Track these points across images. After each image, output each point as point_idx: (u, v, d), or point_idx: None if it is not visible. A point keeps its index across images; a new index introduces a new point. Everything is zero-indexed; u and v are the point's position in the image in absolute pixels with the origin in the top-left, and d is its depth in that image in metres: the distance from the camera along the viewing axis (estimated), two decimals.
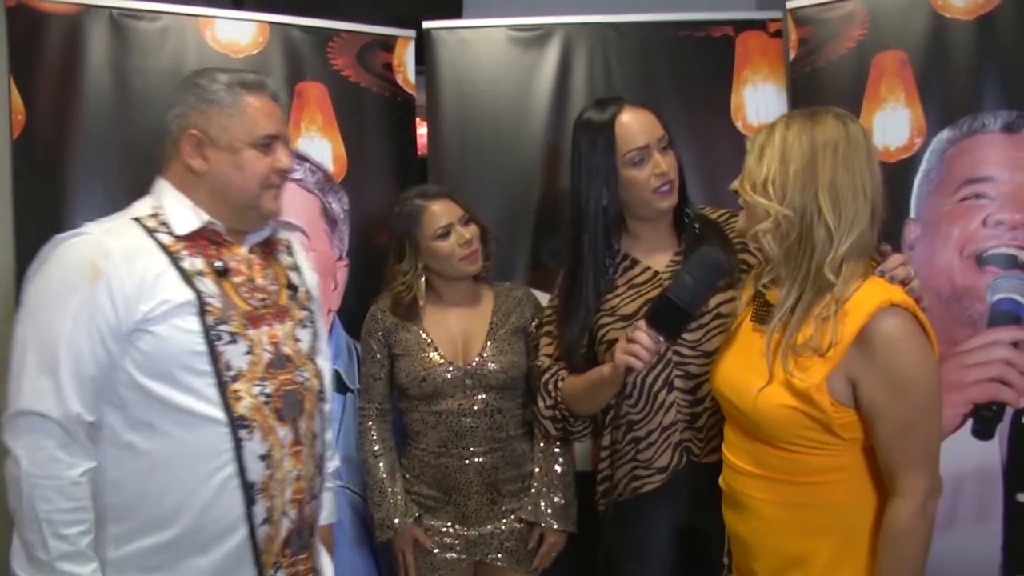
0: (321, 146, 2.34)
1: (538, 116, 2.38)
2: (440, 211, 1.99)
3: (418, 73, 2.48)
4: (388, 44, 2.44)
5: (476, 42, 2.41)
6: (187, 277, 1.46)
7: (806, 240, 1.37)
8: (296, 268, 1.70)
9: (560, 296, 1.88)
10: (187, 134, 1.50)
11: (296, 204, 2.29)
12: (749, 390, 1.43)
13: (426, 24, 2.42)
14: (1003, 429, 2.08)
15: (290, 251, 1.73)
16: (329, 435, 1.78)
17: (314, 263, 2.27)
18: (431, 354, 1.99)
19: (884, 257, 1.47)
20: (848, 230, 1.36)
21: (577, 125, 1.83)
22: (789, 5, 2.34)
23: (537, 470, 2.03)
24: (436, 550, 2.01)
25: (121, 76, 2.14)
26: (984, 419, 2.09)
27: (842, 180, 1.36)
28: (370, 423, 2.07)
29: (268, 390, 1.50)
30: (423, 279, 2.02)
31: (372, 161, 2.40)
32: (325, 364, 1.74)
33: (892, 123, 2.16)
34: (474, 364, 1.98)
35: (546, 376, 1.87)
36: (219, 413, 1.44)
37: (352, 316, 2.32)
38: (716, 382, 1.56)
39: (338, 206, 2.35)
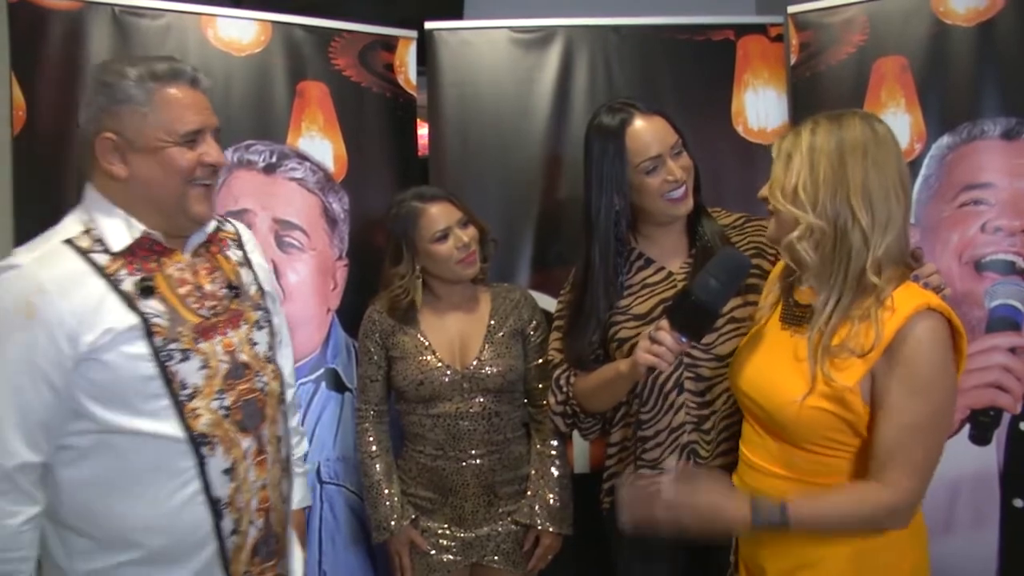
0: (322, 146, 2.34)
1: (539, 117, 2.39)
2: (438, 214, 1.97)
3: (419, 74, 2.48)
4: (390, 44, 2.44)
5: (478, 43, 2.41)
6: (128, 299, 1.38)
7: (842, 245, 1.36)
8: (246, 263, 1.62)
9: (571, 299, 1.86)
10: (101, 139, 1.39)
11: (296, 203, 2.29)
12: (781, 393, 1.41)
13: (428, 25, 2.42)
14: (1000, 434, 2.09)
15: (239, 244, 1.63)
16: (295, 420, 1.78)
17: (314, 263, 2.29)
18: (429, 357, 1.98)
19: (917, 261, 1.46)
20: (884, 232, 1.35)
21: (589, 129, 1.81)
22: (790, 10, 2.34)
23: (533, 472, 2.03)
24: (432, 552, 2.01)
25: None
26: (981, 424, 2.10)
27: (873, 182, 1.35)
28: (367, 424, 2.07)
29: (227, 403, 1.45)
30: (420, 281, 2.01)
31: (373, 161, 2.41)
32: (285, 360, 1.70)
33: (892, 128, 2.17)
34: (472, 367, 1.98)
35: (558, 372, 1.86)
36: (179, 432, 1.40)
37: (351, 316, 2.32)
38: (739, 381, 1.54)
39: (338, 206, 2.35)
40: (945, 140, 2.14)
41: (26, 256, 1.37)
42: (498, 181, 2.37)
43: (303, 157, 2.31)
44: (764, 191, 1.46)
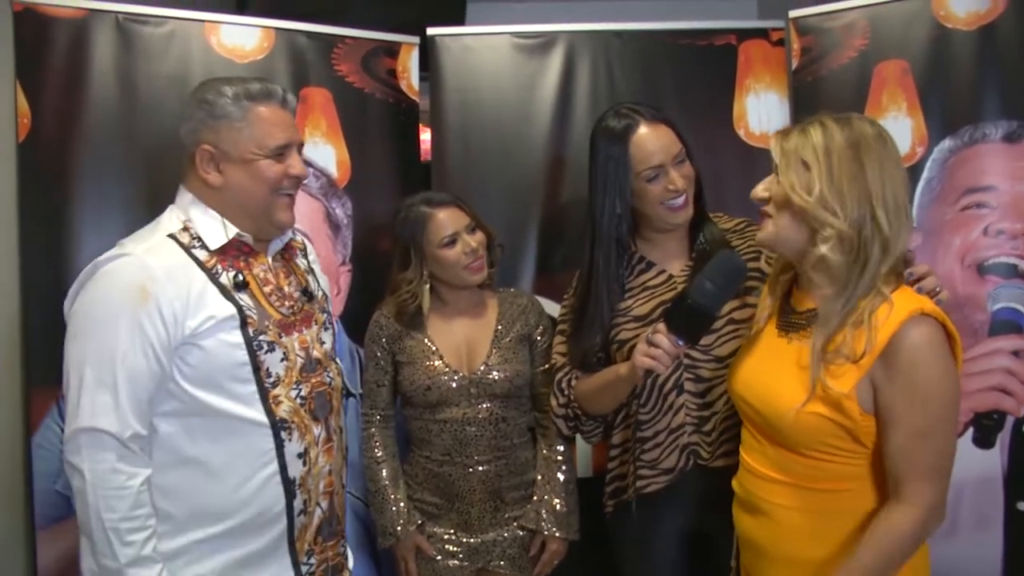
0: (325, 151, 2.35)
1: (541, 123, 2.39)
2: (446, 219, 1.97)
3: (422, 79, 2.48)
4: (392, 50, 2.44)
5: (480, 49, 2.42)
6: (226, 291, 1.52)
7: (862, 253, 1.35)
8: (311, 271, 1.76)
9: (575, 303, 1.87)
10: (200, 150, 1.53)
11: (299, 209, 2.25)
12: (779, 400, 1.41)
13: (430, 31, 2.43)
14: (1004, 438, 2.09)
15: (305, 253, 1.77)
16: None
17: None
18: (436, 362, 1.98)
19: (908, 264, 1.45)
20: (898, 240, 1.35)
21: (595, 131, 1.82)
22: (791, 14, 2.35)
23: (539, 477, 2.03)
24: (438, 557, 2.01)
25: (126, 80, 2.14)
26: (985, 428, 2.10)
27: (889, 190, 1.35)
28: (373, 429, 2.07)
29: (303, 393, 1.58)
30: (428, 287, 2.01)
31: (376, 167, 2.41)
32: (341, 362, 1.81)
33: (894, 132, 2.09)
34: (479, 373, 1.98)
35: (560, 375, 1.87)
36: (262, 417, 1.52)
37: (355, 321, 2.32)
38: (737, 387, 1.54)
39: (341, 211, 2.35)
40: (947, 144, 2.15)
41: (136, 246, 1.50)
42: (500, 186, 2.37)
43: (306, 163, 2.31)
44: (762, 191, 1.44)
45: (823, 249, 1.36)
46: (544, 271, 2.37)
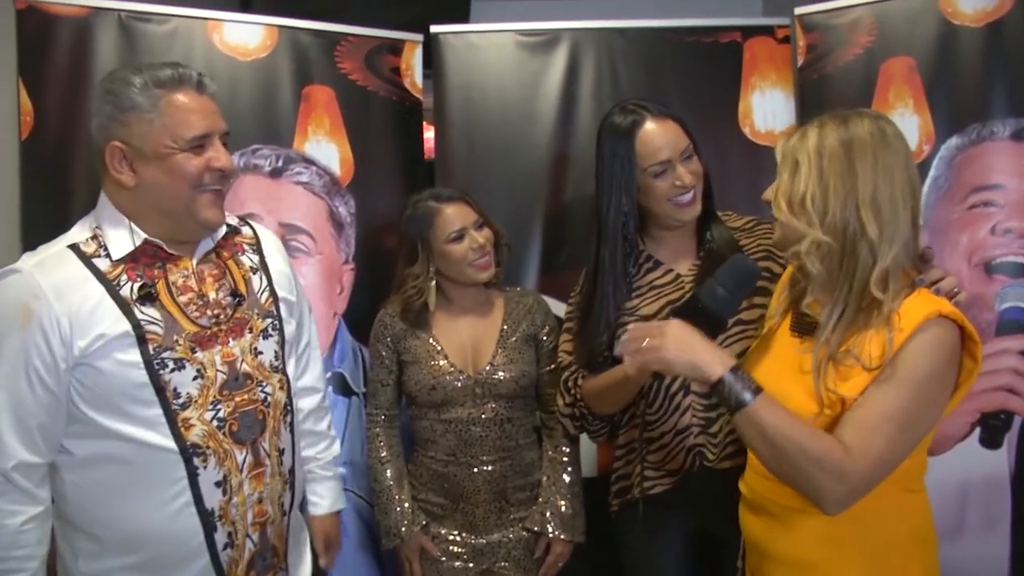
0: (328, 150, 2.34)
1: (545, 121, 2.38)
2: (454, 214, 1.96)
3: (425, 77, 2.48)
4: (396, 48, 2.44)
5: (484, 47, 2.41)
6: (125, 306, 1.38)
7: (849, 258, 1.32)
8: (262, 267, 1.60)
9: (581, 302, 1.86)
10: (110, 147, 1.39)
11: (303, 207, 2.29)
12: (791, 401, 1.36)
13: (434, 28, 2.42)
14: (1011, 438, 2.08)
15: (256, 247, 1.62)
16: (324, 424, 1.81)
17: (320, 267, 2.29)
18: (441, 362, 1.97)
19: (925, 262, 1.42)
20: (891, 243, 1.31)
21: (601, 128, 1.80)
22: (797, 11, 2.34)
23: (545, 479, 2.02)
24: (443, 558, 2.00)
25: None
26: (992, 428, 2.08)
27: (883, 190, 1.31)
28: (378, 429, 2.06)
29: (222, 414, 1.44)
30: (434, 283, 2.00)
31: (379, 165, 2.40)
32: (313, 364, 1.74)
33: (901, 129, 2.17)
34: (484, 372, 1.97)
35: (566, 374, 1.85)
36: (169, 443, 1.39)
37: (358, 320, 2.32)
38: None
39: (344, 210, 2.35)
40: (954, 141, 2.13)
41: (28, 261, 1.39)
42: (504, 184, 2.36)
43: (309, 161, 2.31)
44: (769, 194, 1.43)
45: (798, 250, 1.34)
46: (548, 270, 2.36)
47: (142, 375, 1.37)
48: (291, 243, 2.25)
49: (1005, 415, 2.07)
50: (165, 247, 1.45)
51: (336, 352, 2.31)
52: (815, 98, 2.28)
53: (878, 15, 2.22)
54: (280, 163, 2.28)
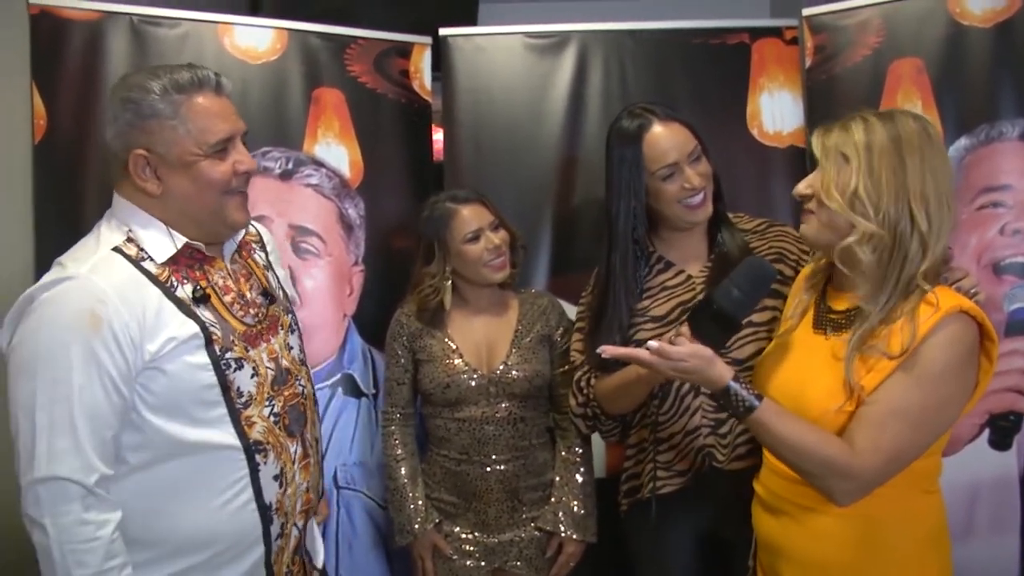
0: (338, 152, 2.35)
1: (553, 123, 2.39)
2: (471, 215, 1.98)
3: (434, 79, 2.49)
4: (405, 51, 2.45)
5: (492, 49, 2.42)
6: (185, 307, 1.37)
7: (899, 251, 1.34)
8: (270, 266, 1.61)
9: (592, 302, 1.86)
10: (134, 156, 1.36)
11: (313, 209, 2.31)
12: (816, 401, 1.38)
13: (443, 31, 2.43)
14: (1020, 439, 2.07)
15: (262, 246, 1.63)
16: None
17: (330, 269, 2.30)
18: (455, 360, 1.99)
19: (945, 262, 1.43)
20: (939, 238, 1.33)
21: (609, 132, 1.81)
22: (805, 12, 2.33)
23: (558, 479, 2.03)
24: (455, 557, 2.01)
25: None
26: (1001, 429, 2.08)
27: (930, 187, 1.33)
28: (393, 427, 2.08)
29: (276, 409, 1.46)
30: (450, 283, 2.01)
31: (388, 167, 2.42)
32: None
33: None
34: (498, 372, 1.98)
35: (578, 374, 1.86)
36: (234, 441, 1.40)
37: (368, 321, 2.33)
38: (771, 391, 1.49)
39: (354, 212, 2.36)
40: (962, 142, 2.13)
41: (79, 266, 1.34)
42: (513, 186, 2.37)
43: (319, 163, 2.32)
44: (804, 188, 1.42)
45: (849, 243, 1.35)
46: (557, 271, 2.37)
47: (210, 376, 1.37)
48: (301, 245, 2.27)
49: (1014, 416, 2.07)
50: (204, 250, 1.44)
51: (346, 354, 2.32)
52: (823, 99, 2.28)
53: (886, 16, 2.22)
54: (290, 165, 2.30)
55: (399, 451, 2.06)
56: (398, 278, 2.20)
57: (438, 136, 2.53)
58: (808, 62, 2.33)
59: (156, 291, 1.36)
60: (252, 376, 1.43)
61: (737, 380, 1.38)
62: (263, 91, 2.29)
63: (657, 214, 1.80)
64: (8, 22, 2.10)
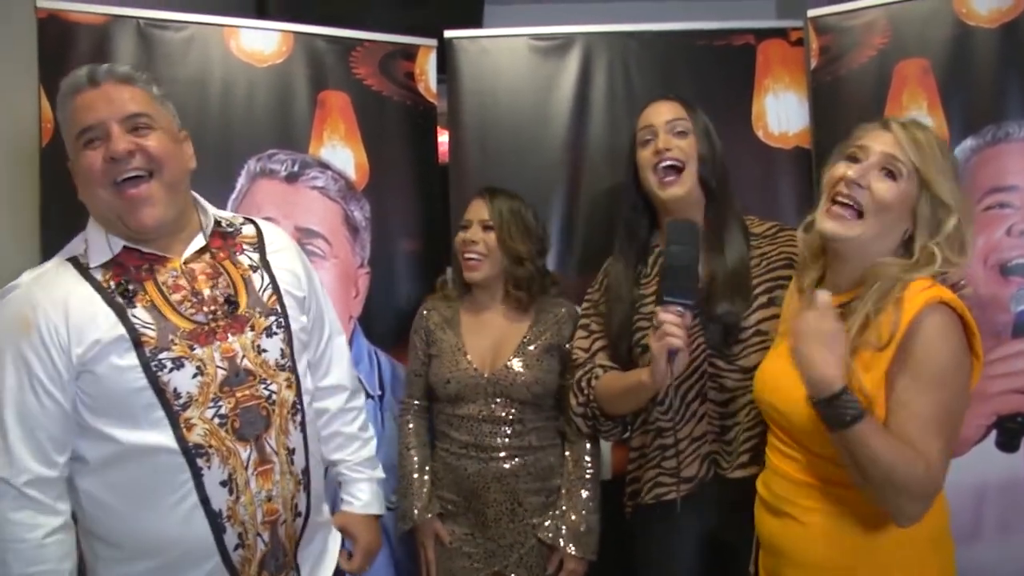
0: (343, 154, 2.36)
1: (558, 125, 2.39)
2: (472, 207, 2.08)
3: (439, 82, 2.49)
4: (410, 53, 2.45)
5: (497, 51, 2.42)
6: (120, 311, 1.38)
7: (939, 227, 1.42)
8: (263, 265, 1.57)
9: (598, 299, 1.91)
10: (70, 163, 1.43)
11: (318, 212, 2.31)
12: (801, 397, 1.38)
13: (448, 33, 2.44)
14: None
15: (257, 246, 1.59)
16: (354, 426, 1.77)
17: (336, 271, 2.30)
18: (460, 358, 2.03)
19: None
20: (968, 223, 1.44)
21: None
22: (810, 14, 2.33)
23: (564, 492, 2.01)
24: (455, 544, 2.03)
25: None
26: (1008, 431, 2.07)
27: (957, 185, 1.44)
28: (409, 417, 2.14)
29: (223, 410, 1.41)
30: (449, 270, 2.10)
31: (394, 169, 2.42)
32: (337, 362, 1.73)
33: None
34: (498, 373, 1.99)
35: (580, 373, 1.87)
36: (172, 444, 1.37)
37: (373, 323, 2.33)
38: (766, 395, 1.51)
39: (360, 214, 2.37)
40: (969, 143, 2.12)
41: (28, 275, 1.42)
42: (517, 188, 2.33)
43: (325, 166, 2.33)
44: (886, 193, 1.41)
45: (939, 240, 1.40)
46: (562, 273, 2.36)
47: (140, 378, 1.36)
48: (307, 247, 2.27)
49: (1022, 418, 2.06)
50: (143, 249, 1.44)
51: (351, 355, 2.32)
52: (829, 100, 2.28)
53: (892, 16, 2.21)
54: (296, 168, 2.30)
55: (412, 440, 2.12)
56: (404, 280, 2.20)
57: (443, 138, 2.54)
58: (813, 63, 2.33)
59: (96, 297, 1.39)
60: (195, 376, 1.40)
61: (846, 388, 1.31)
62: (269, 94, 2.30)
63: (655, 202, 1.82)
64: (16, 26, 2.12)
